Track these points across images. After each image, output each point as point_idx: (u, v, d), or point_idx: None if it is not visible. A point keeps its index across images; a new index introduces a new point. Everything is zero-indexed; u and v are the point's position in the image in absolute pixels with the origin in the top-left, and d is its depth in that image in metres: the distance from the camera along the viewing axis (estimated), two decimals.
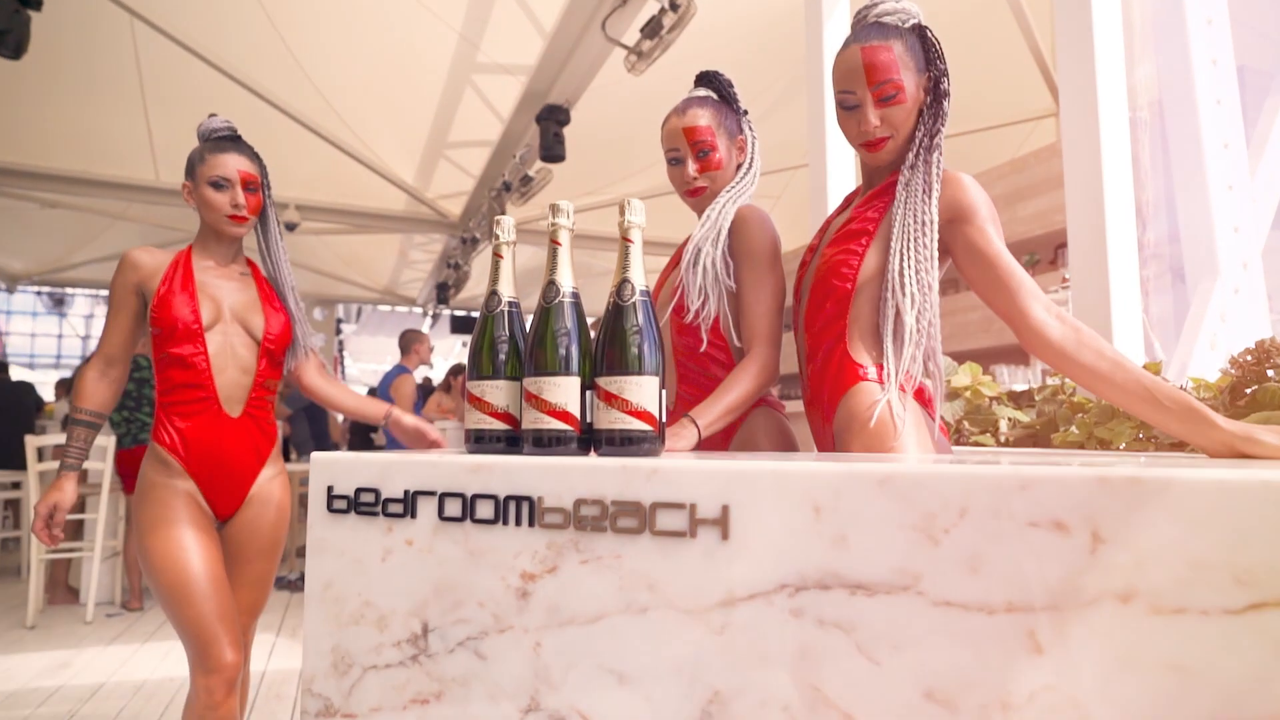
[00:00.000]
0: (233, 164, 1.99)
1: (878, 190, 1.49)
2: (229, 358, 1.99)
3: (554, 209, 1.15)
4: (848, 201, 1.64)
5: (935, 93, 1.45)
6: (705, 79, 1.78)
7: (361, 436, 6.28)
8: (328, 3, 5.56)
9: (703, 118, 1.67)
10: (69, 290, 13.73)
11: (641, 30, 4.70)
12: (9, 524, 6.73)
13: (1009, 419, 2.04)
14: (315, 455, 1.20)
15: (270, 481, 2.06)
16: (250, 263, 2.16)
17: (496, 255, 1.23)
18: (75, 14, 5.36)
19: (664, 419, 1.09)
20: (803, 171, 4.18)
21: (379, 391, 5.65)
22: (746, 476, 0.90)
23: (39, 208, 8.87)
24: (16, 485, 5.82)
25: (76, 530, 5.13)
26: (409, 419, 2.11)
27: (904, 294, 1.37)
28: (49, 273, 12.20)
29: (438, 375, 10.79)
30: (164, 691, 3.37)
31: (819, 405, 1.48)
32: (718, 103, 1.72)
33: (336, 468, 1.17)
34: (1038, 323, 1.28)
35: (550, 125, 5.87)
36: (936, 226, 1.38)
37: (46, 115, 6.85)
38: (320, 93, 6.52)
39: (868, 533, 0.83)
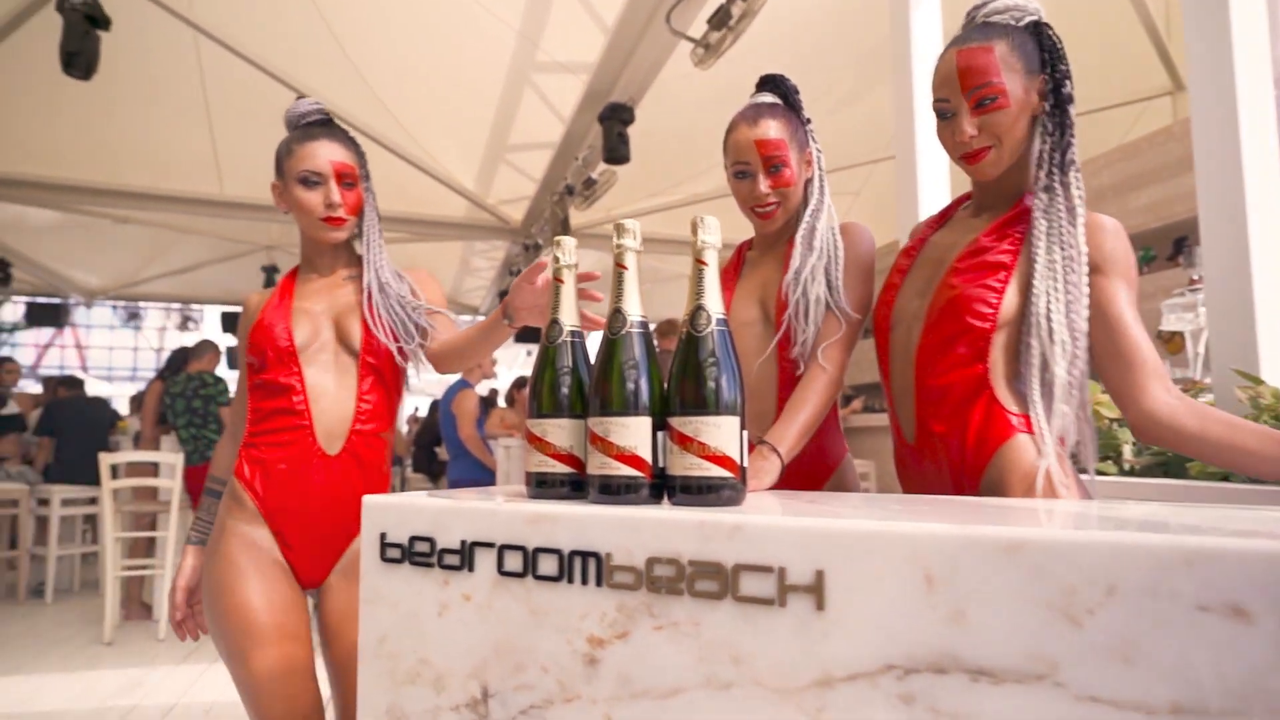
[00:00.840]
0: (324, 154, 1.68)
1: (1009, 218, 1.33)
2: (330, 381, 1.68)
3: (619, 229, 1.04)
4: (945, 216, 1.49)
5: (1057, 97, 1.28)
6: (770, 83, 1.63)
7: (426, 451, 6.25)
8: (386, 9, 5.55)
9: (774, 129, 1.52)
10: (142, 304, 14.12)
11: (709, 21, 4.48)
12: (88, 539, 6.87)
13: (1133, 443, 1.86)
14: (366, 499, 1.11)
15: None
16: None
17: (557, 280, 1.13)
18: (142, 32, 5.44)
19: (745, 462, 0.98)
20: (883, 165, 3.98)
21: (441, 405, 5.59)
22: (843, 538, 0.78)
23: (111, 224, 9.13)
24: (94, 501, 5.94)
25: (148, 548, 5.21)
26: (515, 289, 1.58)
27: (1052, 341, 1.22)
28: (123, 287, 12.62)
29: (502, 385, 10.78)
30: (230, 717, 3.38)
31: (951, 452, 1.31)
32: (786, 111, 1.57)
33: (389, 514, 1.09)
34: (1158, 405, 1.16)
35: (614, 125, 5.68)
36: (1087, 260, 1.23)
37: (116, 133, 7.02)
38: (379, 99, 6.53)
39: (992, 609, 0.71)
